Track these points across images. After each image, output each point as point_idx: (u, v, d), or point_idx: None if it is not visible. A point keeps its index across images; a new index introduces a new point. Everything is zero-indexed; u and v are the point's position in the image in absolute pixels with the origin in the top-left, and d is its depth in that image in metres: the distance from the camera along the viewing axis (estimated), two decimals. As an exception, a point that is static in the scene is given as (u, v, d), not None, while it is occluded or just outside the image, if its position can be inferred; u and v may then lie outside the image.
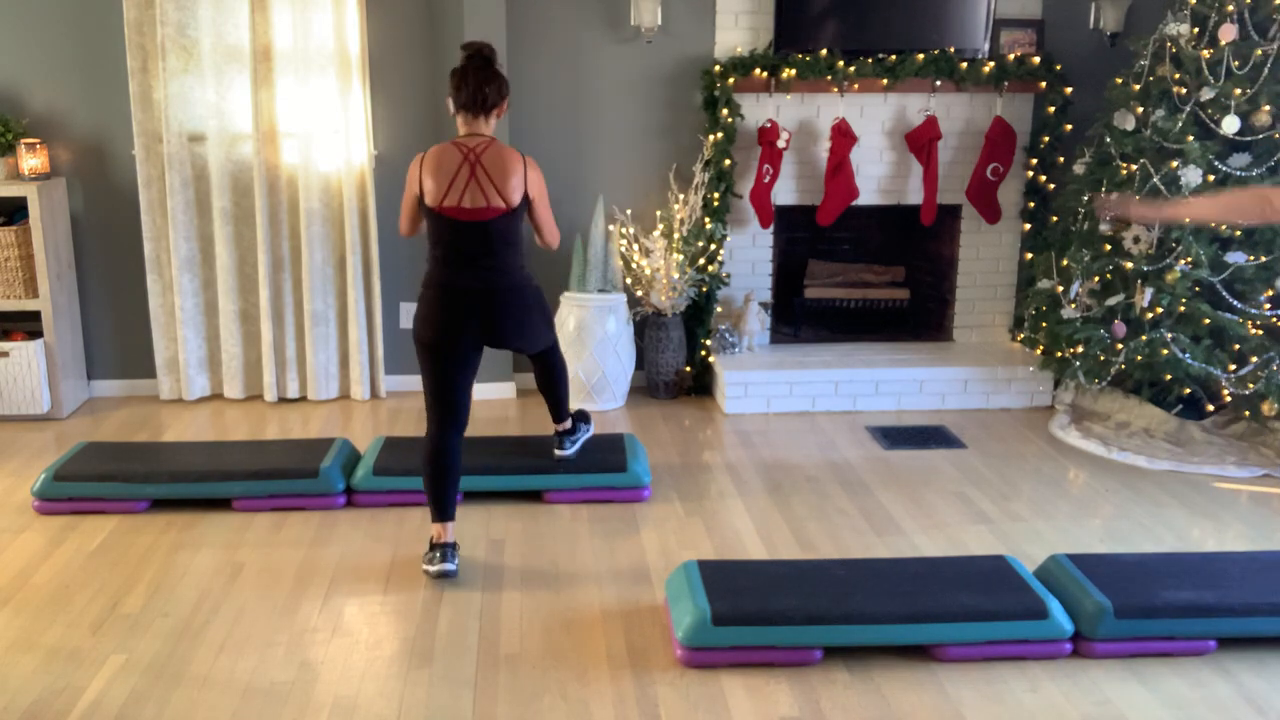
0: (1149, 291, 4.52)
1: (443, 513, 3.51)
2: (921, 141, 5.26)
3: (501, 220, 3.45)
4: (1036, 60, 5.20)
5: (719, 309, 5.42)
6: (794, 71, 5.06)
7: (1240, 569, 3.22)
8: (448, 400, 3.51)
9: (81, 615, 3.21)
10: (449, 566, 3.44)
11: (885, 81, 5.14)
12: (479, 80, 3.44)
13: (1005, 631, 2.99)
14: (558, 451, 4.11)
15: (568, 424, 4.12)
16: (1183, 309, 4.46)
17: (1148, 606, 3.01)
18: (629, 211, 5.30)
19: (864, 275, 5.76)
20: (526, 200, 3.51)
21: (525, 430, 4.86)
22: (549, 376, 4.00)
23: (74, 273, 5.10)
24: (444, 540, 3.49)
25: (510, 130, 5.10)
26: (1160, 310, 4.50)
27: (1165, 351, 4.49)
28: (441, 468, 3.50)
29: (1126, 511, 4.03)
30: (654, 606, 3.28)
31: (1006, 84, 5.21)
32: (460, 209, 3.42)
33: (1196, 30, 4.56)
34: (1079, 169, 4.99)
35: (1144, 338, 4.54)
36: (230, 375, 5.19)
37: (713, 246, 5.19)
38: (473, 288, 3.48)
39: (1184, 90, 4.56)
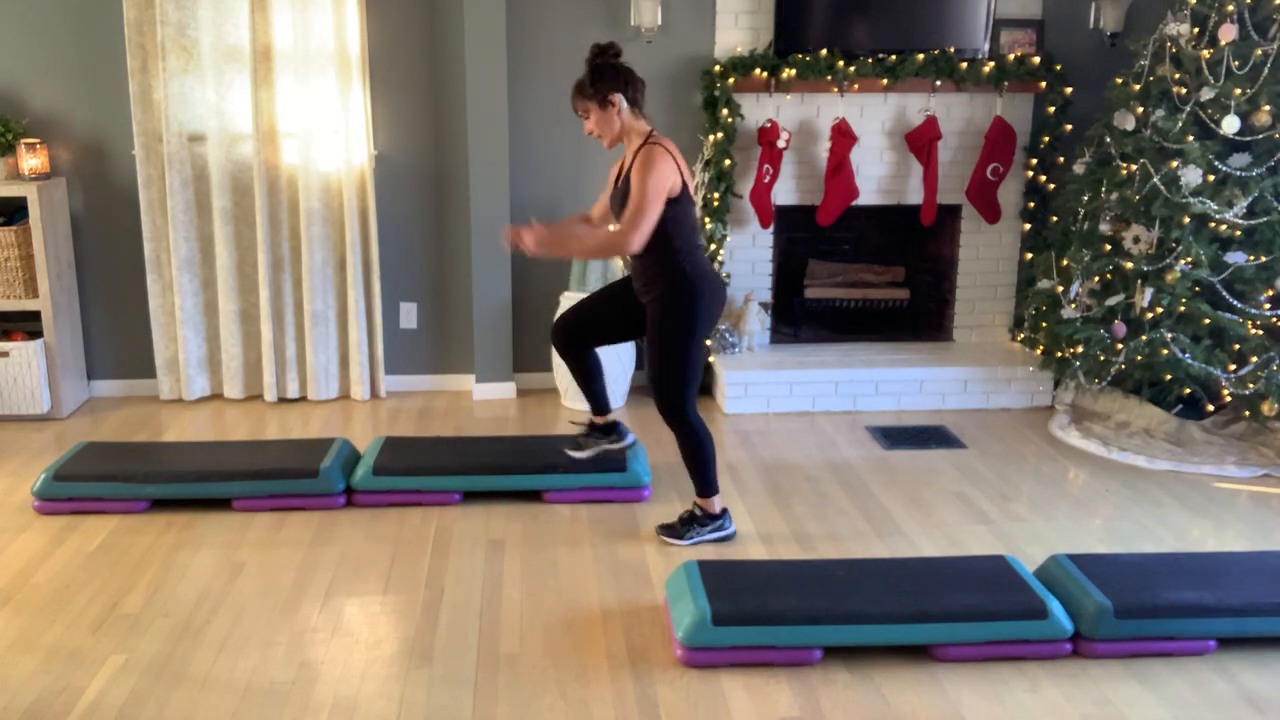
0: (1149, 291, 4.52)
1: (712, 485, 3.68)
2: (921, 141, 5.26)
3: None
4: (1036, 60, 5.20)
5: (719, 309, 5.41)
6: (794, 71, 5.06)
7: (1240, 569, 3.22)
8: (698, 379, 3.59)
9: (81, 615, 3.21)
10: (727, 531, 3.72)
11: (885, 81, 5.14)
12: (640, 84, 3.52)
13: (1005, 631, 2.99)
14: (572, 451, 3.94)
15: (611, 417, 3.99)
16: (1183, 309, 4.46)
17: (1148, 606, 3.01)
18: (629, 211, 5.30)
19: (864, 275, 5.76)
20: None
21: (525, 430, 4.86)
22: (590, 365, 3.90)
23: (74, 273, 5.10)
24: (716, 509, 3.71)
25: (511, 130, 5.11)
26: (1160, 310, 4.50)
27: (1165, 351, 4.49)
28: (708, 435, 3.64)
29: (1126, 511, 4.03)
30: (654, 606, 3.28)
31: (1006, 84, 5.21)
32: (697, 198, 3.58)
33: (1196, 30, 4.56)
34: (1079, 169, 4.99)
35: (1144, 338, 4.54)
36: (230, 375, 5.19)
37: (713, 246, 5.19)
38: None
39: (1184, 90, 4.56)
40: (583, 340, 3.80)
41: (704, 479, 3.67)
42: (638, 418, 5.04)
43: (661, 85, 5.22)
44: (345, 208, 5.05)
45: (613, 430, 3.95)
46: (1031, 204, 5.40)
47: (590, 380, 3.86)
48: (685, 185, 3.48)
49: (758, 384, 5.10)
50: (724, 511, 3.75)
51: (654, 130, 3.55)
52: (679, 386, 3.52)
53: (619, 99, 3.48)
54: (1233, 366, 4.47)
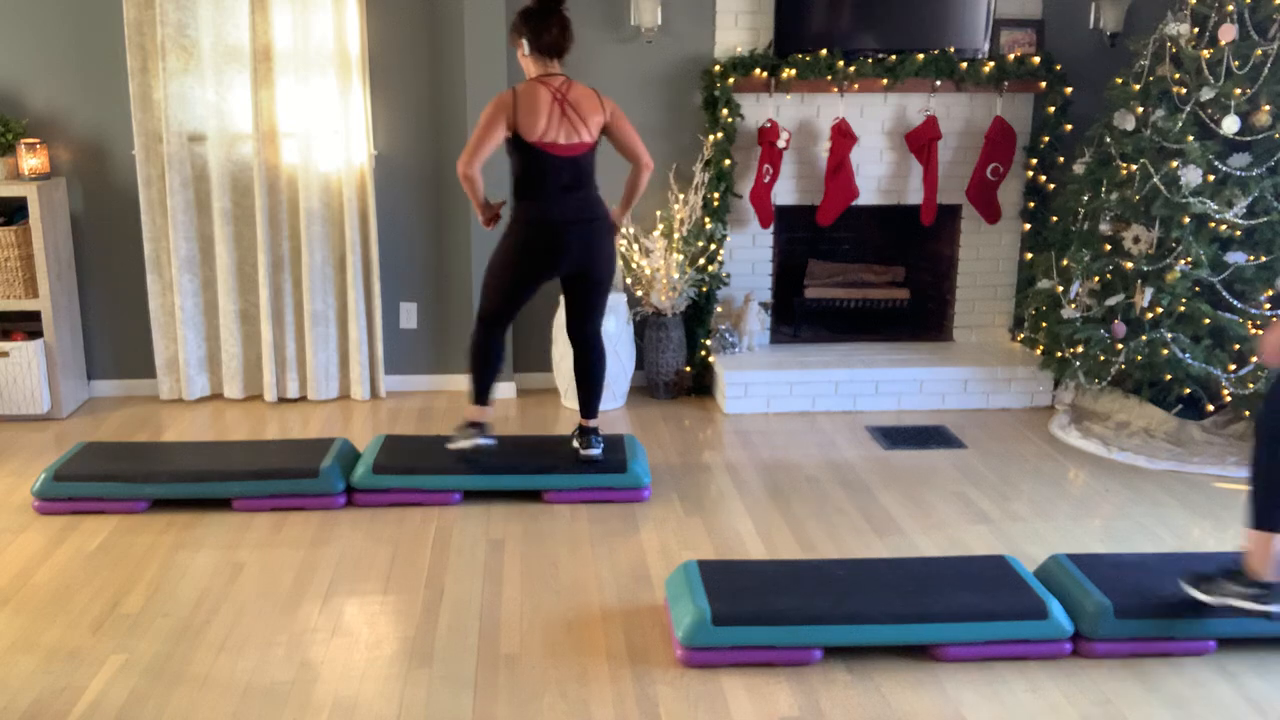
0: (1149, 291, 4.52)
1: (482, 397, 4.12)
2: (921, 141, 5.26)
3: (588, 154, 3.89)
4: (1036, 60, 5.20)
5: (719, 309, 5.42)
6: (794, 71, 5.07)
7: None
8: (508, 311, 4.01)
9: (81, 615, 3.21)
10: (484, 441, 4.06)
11: (885, 81, 5.14)
12: (562, 26, 3.82)
13: (1005, 631, 2.99)
14: (586, 451, 4.09)
15: (597, 421, 4.21)
16: (1183, 309, 4.47)
17: (1148, 606, 3.01)
18: (629, 211, 5.30)
19: (864, 275, 5.76)
20: (602, 135, 3.91)
21: (525, 430, 4.86)
22: (590, 360, 4.17)
23: (74, 273, 5.10)
24: (481, 419, 4.11)
25: (510, 130, 5.10)
26: (1160, 310, 4.50)
27: (1165, 351, 4.49)
28: (491, 357, 4.07)
29: (1126, 511, 4.03)
30: (654, 606, 3.28)
31: (1006, 84, 5.21)
32: (556, 144, 3.81)
33: (1196, 30, 4.56)
34: (1079, 169, 4.99)
35: (1144, 338, 4.54)
36: (230, 375, 5.19)
37: (713, 246, 5.19)
38: (569, 218, 3.88)
39: (1184, 90, 4.56)
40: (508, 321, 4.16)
41: (473, 388, 4.14)
42: (637, 418, 5.04)
43: (661, 85, 5.22)
44: (345, 208, 5.05)
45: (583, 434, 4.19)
46: (1031, 204, 5.40)
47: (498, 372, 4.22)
48: (521, 133, 3.78)
49: (758, 384, 5.10)
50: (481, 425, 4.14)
51: (543, 77, 3.84)
52: (483, 299, 4.02)
53: (523, 43, 3.85)
54: (1233, 366, 4.47)
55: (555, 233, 3.87)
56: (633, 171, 4.03)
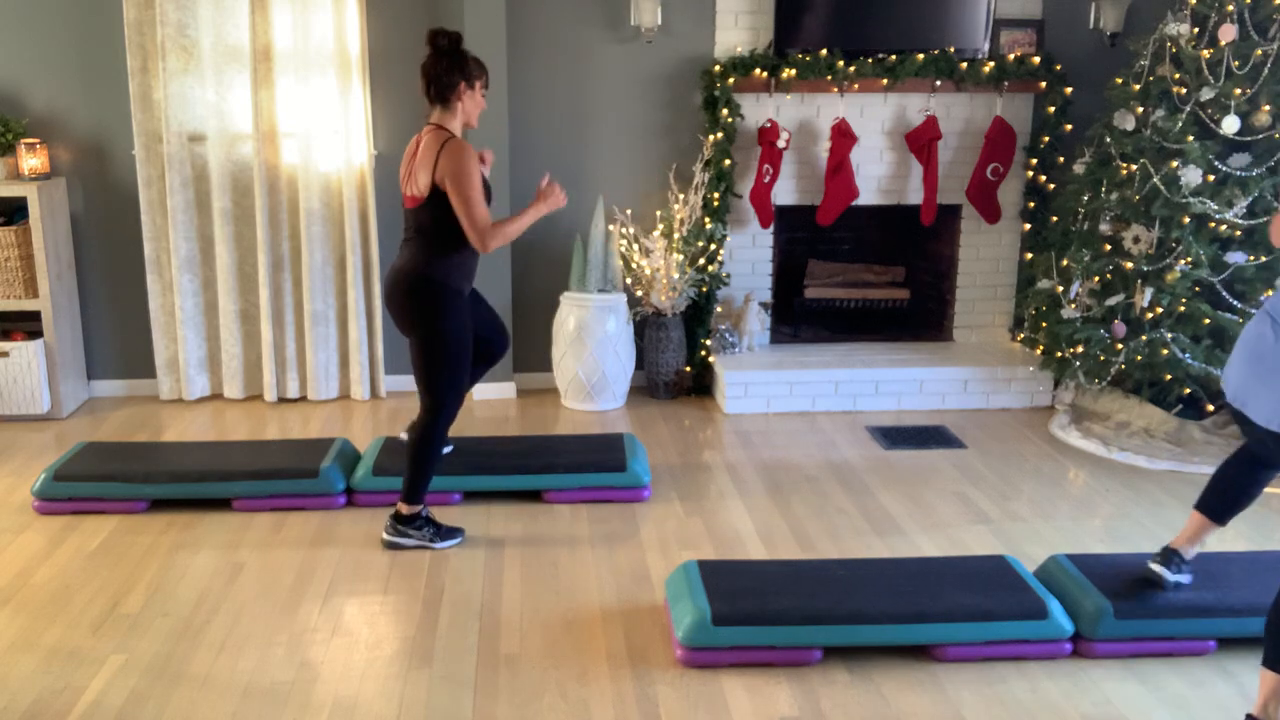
0: (1149, 291, 4.52)
1: (425, 492, 3.71)
2: (921, 141, 5.26)
3: (419, 210, 3.48)
4: (1036, 60, 5.20)
5: (719, 309, 5.42)
6: (794, 71, 5.06)
7: (1240, 569, 3.22)
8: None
9: (81, 615, 3.21)
10: (454, 540, 3.72)
11: (885, 81, 5.14)
12: (427, 72, 3.51)
13: (1005, 631, 2.99)
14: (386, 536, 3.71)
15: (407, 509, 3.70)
16: (1183, 309, 4.46)
17: (1148, 606, 3.01)
18: (629, 211, 5.30)
19: (864, 275, 5.76)
20: (440, 191, 3.41)
21: (525, 430, 4.86)
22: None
23: (74, 273, 5.10)
24: (425, 513, 3.71)
25: (510, 129, 5.11)
26: (1160, 310, 4.50)
27: (1165, 351, 4.49)
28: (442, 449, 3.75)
29: (1126, 511, 4.03)
30: (654, 606, 3.28)
31: (1006, 84, 5.21)
32: (405, 195, 3.54)
33: (1196, 30, 4.56)
34: (1079, 169, 4.99)
35: (1144, 338, 4.54)
36: (230, 375, 5.19)
37: (713, 246, 5.19)
38: (389, 271, 3.60)
39: (1184, 90, 4.56)
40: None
41: (420, 486, 3.70)
42: (637, 418, 5.04)
43: (661, 85, 5.22)
44: (345, 208, 5.05)
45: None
46: (1031, 204, 5.40)
47: None
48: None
49: (758, 384, 5.10)
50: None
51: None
52: (442, 396, 3.61)
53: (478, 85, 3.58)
54: (1233, 366, 4.46)
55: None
56: None
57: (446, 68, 3.48)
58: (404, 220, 3.58)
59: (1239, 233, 4.45)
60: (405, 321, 3.55)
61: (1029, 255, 5.41)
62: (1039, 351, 5.15)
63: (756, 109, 5.23)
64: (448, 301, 3.50)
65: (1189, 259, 4.43)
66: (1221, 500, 3.02)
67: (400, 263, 3.54)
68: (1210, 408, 4.71)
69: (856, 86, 5.15)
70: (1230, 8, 4.44)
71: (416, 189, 3.46)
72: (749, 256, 5.44)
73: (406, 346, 5.30)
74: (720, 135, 5.08)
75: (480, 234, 3.41)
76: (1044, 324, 5.04)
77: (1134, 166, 4.64)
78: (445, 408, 3.57)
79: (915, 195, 5.42)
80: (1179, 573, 3.07)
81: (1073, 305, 4.83)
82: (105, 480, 3.92)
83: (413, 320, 3.52)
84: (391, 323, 5.29)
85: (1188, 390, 4.68)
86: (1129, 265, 4.61)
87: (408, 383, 5.41)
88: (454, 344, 3.52)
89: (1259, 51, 4.37)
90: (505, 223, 3.49)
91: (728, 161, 5.12)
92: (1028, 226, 5.44)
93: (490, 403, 5.23)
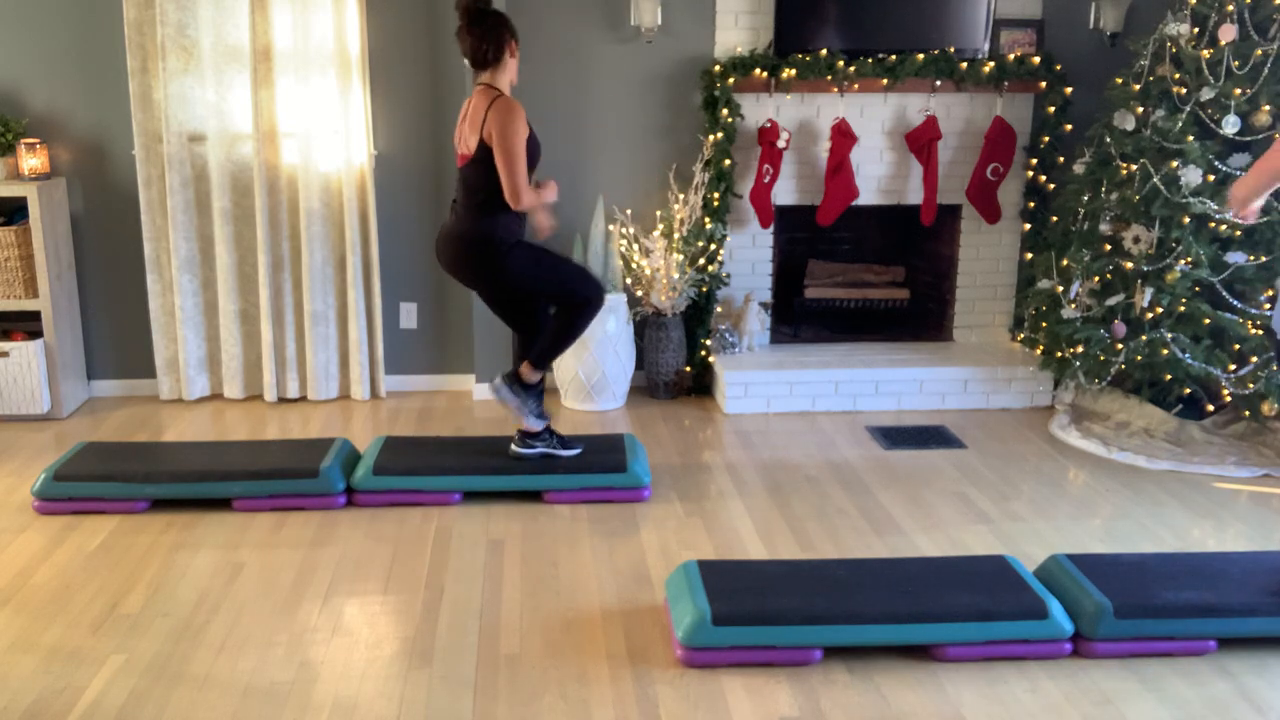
0: (1149, 291, 4.52)
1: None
2: (921, 141, 5.26)
3: (468, 167, 3.77)
4: (1036, 60, 5.20)
5: (719, 309, 5.42)
6: (794, 71, 5.07)
7: (1240, 569, 3.22)
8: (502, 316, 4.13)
9: (81, 615, 3.21)
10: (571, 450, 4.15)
11: (885, 81, 5.14)
12: (472, 38, 3.72)
13: (1005, 631, 2.99)
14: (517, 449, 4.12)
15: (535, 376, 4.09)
16: (1183, 309, 4.47)
17: (1148, 606, 3.01)
18: (629, 211, 5.30)
19: (864, 275, 5.76)
20: (488, 147, 3.69)
21: (525, 430, 4.86)
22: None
23: (74, 273, 5.10)
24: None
25: (510, 130, 5.10)
26: (1160, 310, 4.50)
27: (1165, 351, 4.49)
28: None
29: (1126, 511, 4.03)
30: (654, 606, 3.28)
31: (1006, 84, 5.21)
32: (458, 154, 3.82)
33: (1196, 30, 4.56)
34: (1079, 169, 4.99)
35: (1144, 338, 4.54)
36: (230, 375, 5.19)
37: (713, 246, 5.19)
38: (444, 232, 3.91)
39: (1184, 90, 4.56)
40: (524, 320, 4.12)
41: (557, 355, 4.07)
42: (637, 418, 5.04)
43: (661, 85, 5.22)
44: (345, 208, 5.05)
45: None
46: (1031, 204, 5.40)
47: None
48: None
49: (758, 384, 5.10)
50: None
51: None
52: (579, 281, 3.94)
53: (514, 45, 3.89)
54: (1233, 366, 4.47)
55: (439, 241, 3.99)
56: None
57: (494, 23, 3.73)
58: (458, 179, 3.85)
59: (1239, 233, 4.45)
60: (480, 280, 3.89)
61: (1029, 255, 5.41)
62: (1039, 351, 5.15)
63: (756, 109, 5.23)
64: (513, 249, 3.83)
65: (1189, 259, 4.43)
66: None
67: (459, 228, 3.83)
68: (1210, 408, 4.71)
69: (856, 86, 5.15)
70: (1230, 8, 4.45)
71: (466, 147, 3.76)
72: (749, 256, 5.44)
73: (413, 341, 5.30)
74: (720, 135, 5.08)
75: (515, 191, 3.69)
76: (1044, 324, 5.04)
77: (1134, 166, 4.64)
78: (585, 294, 3.90)
79: (915, 195, 5.42)
80: None
81: (1073, 305, 4.83)
82: (105, 480, 3.91)
83: (488, 275, 3.85)
84: (392, 322, 5.33)
85: (1188, 390, 4.68)
86: (1129, 265, 4.61)
87: (408, 383, 5.41)
88: (532, 262, 3.85)
89: (1259, 51, 4.38)
90: (533, 190, 3.77)
91: (728, 161, 5.12)
92: (1028, 226, 5.44)
93: (490, 403, 5.24)
